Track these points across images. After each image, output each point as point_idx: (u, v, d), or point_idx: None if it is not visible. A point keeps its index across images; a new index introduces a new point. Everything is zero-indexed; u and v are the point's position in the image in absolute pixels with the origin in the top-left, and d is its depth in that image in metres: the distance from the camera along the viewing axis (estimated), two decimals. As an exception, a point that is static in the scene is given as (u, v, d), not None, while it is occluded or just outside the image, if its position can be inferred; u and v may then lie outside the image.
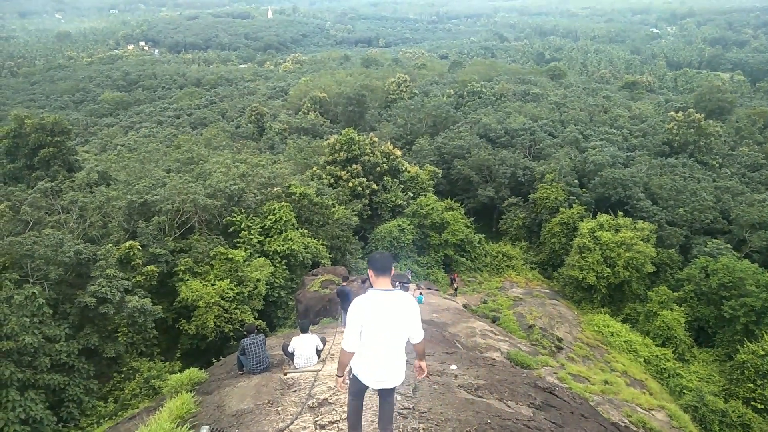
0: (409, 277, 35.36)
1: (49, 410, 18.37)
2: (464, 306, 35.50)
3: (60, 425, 18.96)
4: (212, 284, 27.00)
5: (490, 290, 41.99)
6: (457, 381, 7.38)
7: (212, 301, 25.83)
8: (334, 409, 6.41)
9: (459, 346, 16.54)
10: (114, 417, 18.70)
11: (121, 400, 21.12)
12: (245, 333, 10.43)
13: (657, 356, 32.40)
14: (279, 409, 6.78)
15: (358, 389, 5.16)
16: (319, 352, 9.39)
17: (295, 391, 7.46)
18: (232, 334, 25.94)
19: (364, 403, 5.55)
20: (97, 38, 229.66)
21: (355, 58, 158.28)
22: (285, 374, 8.66)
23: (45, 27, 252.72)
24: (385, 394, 5.17)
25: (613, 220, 42.26)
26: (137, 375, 22.43)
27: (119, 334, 22.95)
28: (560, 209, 47.79)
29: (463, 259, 45.85)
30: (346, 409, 5.73)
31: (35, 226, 26.93)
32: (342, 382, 5.32)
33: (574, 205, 47.73)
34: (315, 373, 7.06)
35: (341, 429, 5.87)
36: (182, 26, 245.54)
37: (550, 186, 50.09)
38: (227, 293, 26.71)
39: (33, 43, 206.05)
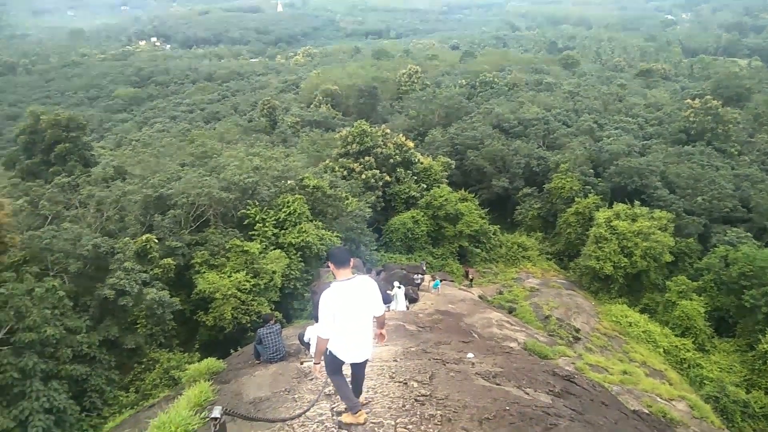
0: (424, 268, 35.29)
1: (72, 400, 18.64)
2: (480, 297, 35.40)
3: (83, 414, 19.22)
4: (229, 276, 27.15)
5: (506, 281, 41.79)
6: (474, 369, 7.30)
7: (229, 292, 26.00)
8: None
9: (475, 336, 16.46)
10: (135, 406, 18.90)
11: (142, 390, 21.37)
12: (262, 323, 10.48)
13: (676, 347, 32.08)
14: (296, 396, 6.79)
15: (337, 366, 5.77)
16: None
17: (311, 379, 7.46)
18: (249, 325, 26.07)
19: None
20: (109, 35, 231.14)
21: (366, 50, 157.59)
22: (302, 363, 8.66)
23: (58, 25, 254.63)
24: (358, 367, 5.88)
25: (630, 209, 41.76)
26: (157, 366, 22.66)
27: (138, 326, 23.21)
28: (576, 199, 47.32)
29: (478, 250, 45.63)
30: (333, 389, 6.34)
31: (54, 220, 27.24)
32: (319, 368, 5.88)
33: (589, 195, 47.21)
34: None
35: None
36: (193, 21, 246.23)
37: (565, 176, 49.58)
38: (244, 285, 26.86)
39: (47, 41, 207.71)
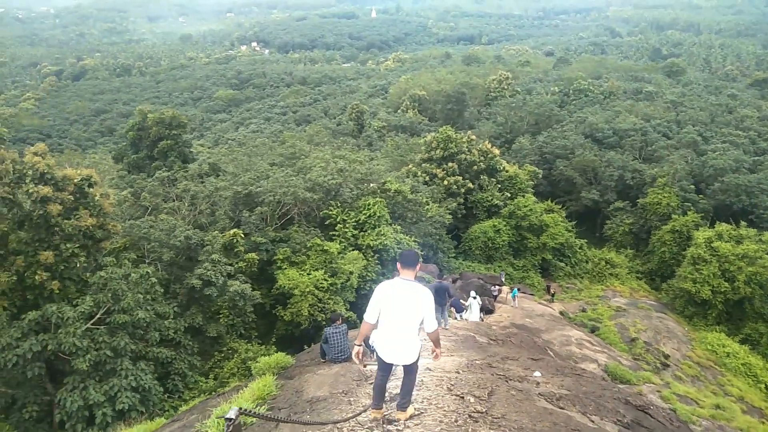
0: (503, 279, 34.44)
1: (156, 381, 19.87)
2: (561, 313, 33.96)
3: (165, 396, 20.43)
4: (308, 274, 27.86)
5: (590, 298, 39.83)
6: (538, 389, 6.89)
7: (307, 290, 26.65)
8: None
9: (551, 354, 15.73)
10: (212, 393, 19.83)
11: (220, 378, 22.39)
12: (329, 322, 10.57)
13: (782, 383, 29.06)
14: (352, 399, 6.74)
15: (380, 363, 5.90)
16: None
17: (371, 383, 7.40)
18: (324, 323, 26.60)
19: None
20: (214, 40, 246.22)
21: (456, 55, 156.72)
22: (365, 366, 8.62)
23: (170, 30, 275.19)
24: (407, 371, 5.89)
25: (735, 230, 38.51)
26: (235, 355, 23.65)
27: (221, 316, 24.37)
28: (673, 216, 44.31)
29: (562, 264, 43.87)
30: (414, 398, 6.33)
31: (152, 211, 29.30)
32: (359, 352, 6.10)
33: (688, 213, 44.01)
34: (394, 367, 6.93)
35: (408, 426, 5.68)
36: (291, 27, 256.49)
37: (662, 190, 46.60)
38: (321, 283, 27.46)
39: (159, 45, 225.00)
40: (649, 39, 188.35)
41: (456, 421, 5.50)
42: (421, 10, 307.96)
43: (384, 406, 6.23)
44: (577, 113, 70.50)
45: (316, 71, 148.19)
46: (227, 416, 3.79)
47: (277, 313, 27.31)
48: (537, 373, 7.73)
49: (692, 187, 47.62)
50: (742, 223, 40.00)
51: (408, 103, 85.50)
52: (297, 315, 26.31)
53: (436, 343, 6.00)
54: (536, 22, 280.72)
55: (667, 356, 29.98)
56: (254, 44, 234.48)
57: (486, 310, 26.43)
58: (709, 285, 35.78)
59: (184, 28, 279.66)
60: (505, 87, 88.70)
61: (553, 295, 39.07)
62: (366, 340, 9.02)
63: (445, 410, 5.93)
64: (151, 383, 18.86)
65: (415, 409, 6.22)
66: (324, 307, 27.07)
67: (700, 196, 47.14)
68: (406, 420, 6.01)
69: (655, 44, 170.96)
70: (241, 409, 3.89)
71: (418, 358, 5.85)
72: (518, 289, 32.36)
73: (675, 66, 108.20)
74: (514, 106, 74.91)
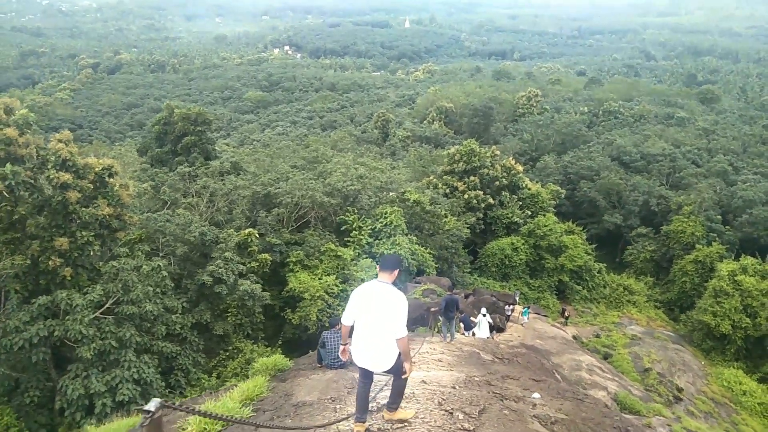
0: (516, 298, 33.86)
1: (159, 375, 19.89)
2: (574, 337, 33.26)
3: (167, 391, 20.43)
4: (319, 278, 27.81)
5: (605, 324, 38.97)
6: (534, 410, 6.60)
7: (317, 294, 26.60)
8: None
9: (558, 377, 15.27)
10: (214, 392, 19.79)
11: (223, 377, 22.36)
12: (328, 326, 10.37)
13: (800, 427, 27.93)
14: (338, 406, 6.56)
15: (359, 369, 5.81)
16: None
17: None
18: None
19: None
20: (248, 41, 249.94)
21: (486, 70, 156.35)
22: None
23: (206, 29, 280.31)
24: (393, 375, 5.79)
25: (761, 264, 37.31)
26: (240, 355, 23.63)
27: (229, 315, 24.34)
28: (697, 246, 43.21)
29: (579, 287, 43.04)
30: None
31: (171, 205, 29.57)
32: (345, 349, 5.98)
33: (713, 243, 42.86)
34: (390, 376, 6.72)
35: None
36: (324, 33, 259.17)
37: (687, 219, 45.52)
38: (332, 289, 27.38)
39: (194, 44, 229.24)
40: (685, 64, 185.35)
41: (440, 437, 5.26)
42: (455, 23, 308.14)
43: (368, 419, 5.95)
44: (605, 135, 69.60)
45: (345, 78, 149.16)
46: (146, 408, 3.55)
47: (286, 316, 27.23)
48: (536, 395, 7.44)
49: (719, 217, 46.45)
50: (769, 258, 38.80)
51: (434, 114, 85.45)
52: (305, 319, 26.22)
53: (405, 354, 5.66)
54: (570, 41, 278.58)
55: (680, 389, 29.09)
56: (287, 48, 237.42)
57: (496, 328, 25.95)
58: (730, 319, 34.69)
59: (220, 28, 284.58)
60: (534, 104, 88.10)
61: (567, 318, 38.29)
62: None
63: (430, 425, 5.72)
64: (153, 377, 18.88)
65: (414, 414, 6.13)
66: (333, 313, 26.92)
67: (727, 227, 45.96)
68: (394, 421, 5.91)
69: (690, 70, 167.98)
70: (164, 401, 3.65)
71: (397, 364, 5.62)
72: (530, 309, 31.77)
73: (710, 93, 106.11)
74: (542, 123, 74.30)
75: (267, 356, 22.26)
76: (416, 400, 6.72)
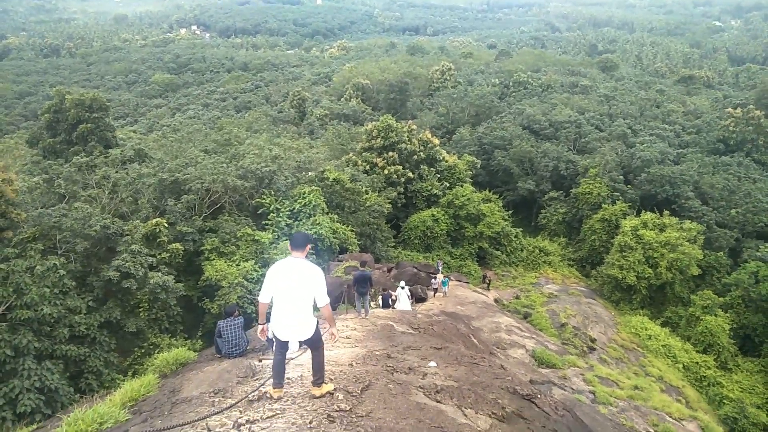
0: (439, 268, 34.55)
1: (67, 380, 18.55)
2: (495, 300, 34.48)
3: (78, 396, 19.12)
4: (237, 265, 26.93)
5: (524, 286, 40.72)
6: (422, 381, 6.59)
7: (236, 281, 25.76)
8: (266, 405, 5.78)
9: (475, 340, 15.68)
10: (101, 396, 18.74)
11: (140, 375, 21.22)
12: (224, 315, 9.97)
13: (697, 363, 30.67)
14: (216, 400, 6.20)
15: (276, 342, 5.95)
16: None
17: (257, 379, 6.89)
18: (255, 315, 25.80)
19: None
20: (152, 21, 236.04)
21: (401, 45, 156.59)
22: (260, 360, 8.14)
23: (104, 9, 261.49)
24: (311, 347, 6.02)
25: (659, 219, 40.22)
26: (157, 350, 22.46)
27: (141, 309, 23.09)
28: (603, 205, 45.85)
29: (498, 253, 44.62)
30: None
31: (69, 199, 27.44)
32: (264, 329, 6.28)
33: (617, 202, 45.68)
34: (288, 361, 6.46)
35: (254, 430, 5.15)
36: (233, 11, 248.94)
37: (593, 181, 48.11)
38: (251, 274, 26.61)
39: (91, 25, 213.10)
40: (587, 35, 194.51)
41: (311, 422, 5.05)
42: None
43: (284, 385, 6.22)
44: (516, 105, 71.83)
45: (258, 57, 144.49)
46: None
47: (205, 306, 26.25)
48: (432, 363, 7.47)
49: (621, 177, 49.35)
50: (666, 212, 41.81)
51: (351, 91, 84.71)
52: (225, 307, 25.35)
53: (330, 320, 6.14)
54: (480, 15, 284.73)
55: (594, 340, 30.98)
56: (194, 27, 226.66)
57: (418, 298, 26.35)
58: (635, 271, 37.27)
59: (119, 8, 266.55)
60: (448, 78, 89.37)
61: (489, 283, 39.66)
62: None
63: (306, 409, 5.50)
64: (58, 383, 17.55)
65: (334, 388, 6.23)
66: (254, 299, 26.24)
67: (629, 186, 48.93)
68: (322, 396, 5.95)
69: (591, 40, 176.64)
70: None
71: (316, 334, 5.89)
72: (450, 278, 32.53)
73: (609, 61, 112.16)
74: (456, 97, 75.52)
75: (189, 349, 21.43)
76: (302, 383, 6.51)
